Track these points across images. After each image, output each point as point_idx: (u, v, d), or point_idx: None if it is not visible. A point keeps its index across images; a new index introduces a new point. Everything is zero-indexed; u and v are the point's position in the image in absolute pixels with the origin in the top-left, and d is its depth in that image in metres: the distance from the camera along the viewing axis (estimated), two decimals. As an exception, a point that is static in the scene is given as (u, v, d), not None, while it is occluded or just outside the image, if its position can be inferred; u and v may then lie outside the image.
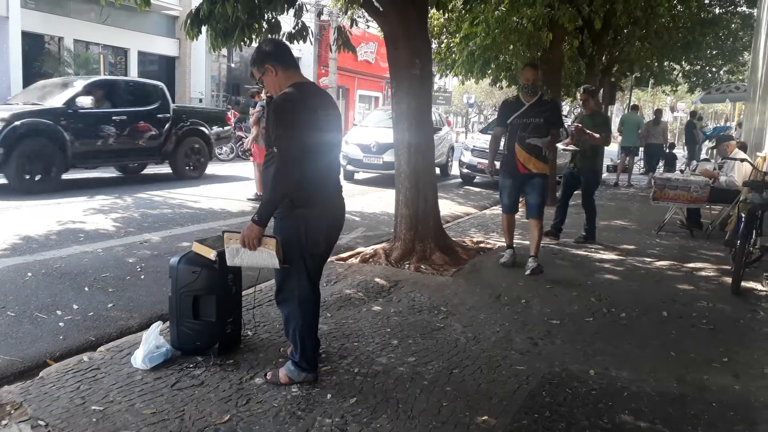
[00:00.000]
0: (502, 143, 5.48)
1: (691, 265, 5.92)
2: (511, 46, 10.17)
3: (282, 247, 2.74)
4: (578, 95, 5.90)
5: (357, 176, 12.72)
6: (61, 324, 3.83)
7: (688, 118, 17.81)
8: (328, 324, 3.82)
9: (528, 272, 5.15)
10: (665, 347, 3.70)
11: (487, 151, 5.93)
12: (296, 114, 2.64)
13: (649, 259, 6.10)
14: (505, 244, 5.66)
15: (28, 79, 15.20)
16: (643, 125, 14.39)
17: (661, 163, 15.14)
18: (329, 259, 5.58)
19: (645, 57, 14.70)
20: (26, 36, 15.06)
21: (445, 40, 12.93)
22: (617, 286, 5.05)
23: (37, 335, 3.64)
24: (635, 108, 15.75)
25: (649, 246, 6.78)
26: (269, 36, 5.76)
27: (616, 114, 36.50)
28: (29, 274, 4.76)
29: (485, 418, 2.72)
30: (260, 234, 2.68)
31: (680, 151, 18.89)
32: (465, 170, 12.78)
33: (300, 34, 6.10)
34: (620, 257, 6.14)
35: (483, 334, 3.77)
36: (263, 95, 8.00)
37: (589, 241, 6.70)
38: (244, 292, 3.56)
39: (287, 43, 3.95)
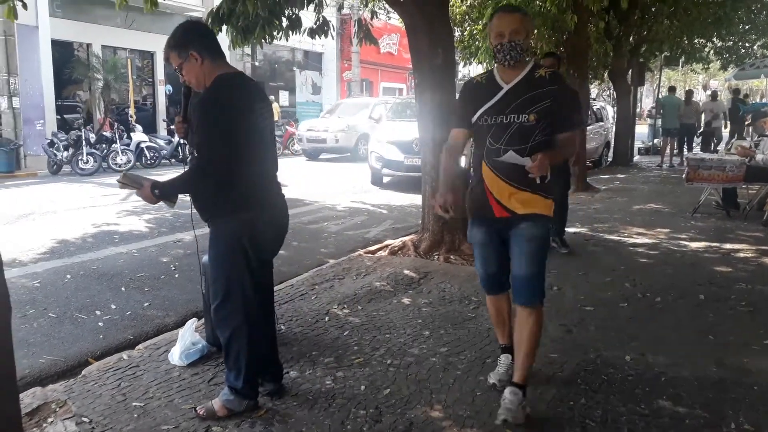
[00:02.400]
0: (463, 161, 3.25)
1: (728, 246, 5.77)
2: (535, 31, 10.01)
3: (223, 256, 2.56)
4: (541, 61, 4.44)
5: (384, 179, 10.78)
6: (100, 324, 3.94)
7: (731, 96, 17.46)
8: (359, 317, 3.84)
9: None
10: (703, 331, 3.63)
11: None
12: (227, 115, 2.37)
13: (684, 242, 5.97)
14: (499, 344, 3.07)
15: (60, 86, 15.59)
16: (682, 106, 14.21)
17: (697, 140, 14.96)
18: (357, 252, 5.63)
19: (674, 35, 14.32)
20: (56, 44, 15.39)
21: (468, 27, 12.80)
22: (652, 271, 4.95)
23: (78, 335, 3.76)
24: (672, 89, 15.57)
25: (684, 229, 6.63)
26: (282, 33, 5.75)
27: (646, 95, 35.70)
28: (68, 276, 4.90)
29: (519, 406, 2.70)
30: (151, 200, 2.46)
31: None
32: None
33: (321, 29, 6.13)
34: (654, 241, 6.03)
35: (515, 323, 3.74)
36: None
37: (564, 247, 5.55)
38: (276, 288, 3.60)
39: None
